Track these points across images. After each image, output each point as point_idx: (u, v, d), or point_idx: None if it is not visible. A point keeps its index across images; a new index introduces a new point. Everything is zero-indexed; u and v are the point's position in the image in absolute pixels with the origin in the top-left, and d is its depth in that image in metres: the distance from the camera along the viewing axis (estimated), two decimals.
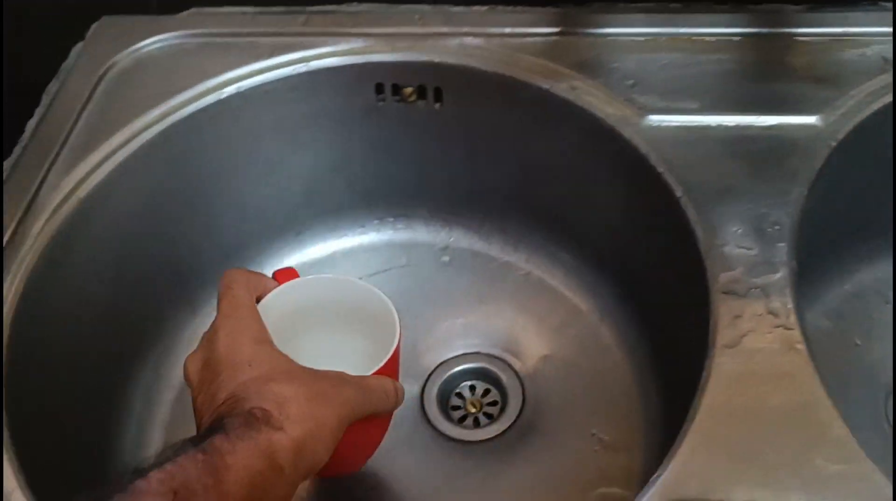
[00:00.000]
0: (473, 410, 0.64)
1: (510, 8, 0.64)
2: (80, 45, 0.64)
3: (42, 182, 0.55)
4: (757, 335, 0.45)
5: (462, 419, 0.63)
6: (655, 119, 0.56)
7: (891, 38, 0.59)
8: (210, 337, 0.44)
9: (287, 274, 0.50)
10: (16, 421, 0.47)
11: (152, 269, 0.62)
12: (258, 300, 0.47)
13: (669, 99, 0.57)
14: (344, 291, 0.51)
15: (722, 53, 0.60)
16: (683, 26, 0.61)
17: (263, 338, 0.43)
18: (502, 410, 0.63)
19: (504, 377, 0.64)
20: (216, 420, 0.38)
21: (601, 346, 0.64)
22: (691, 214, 0.51)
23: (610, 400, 0.62)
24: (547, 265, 0.68)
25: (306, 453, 0.38)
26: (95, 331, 0.58)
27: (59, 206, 0.54)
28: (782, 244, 0.49)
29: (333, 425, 0.40)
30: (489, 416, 0.63)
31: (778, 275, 0.48)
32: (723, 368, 0.44)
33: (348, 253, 0.72)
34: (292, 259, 0.70)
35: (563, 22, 0.62)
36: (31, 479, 0.45)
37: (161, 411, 0.63)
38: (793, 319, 0.46)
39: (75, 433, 0.56)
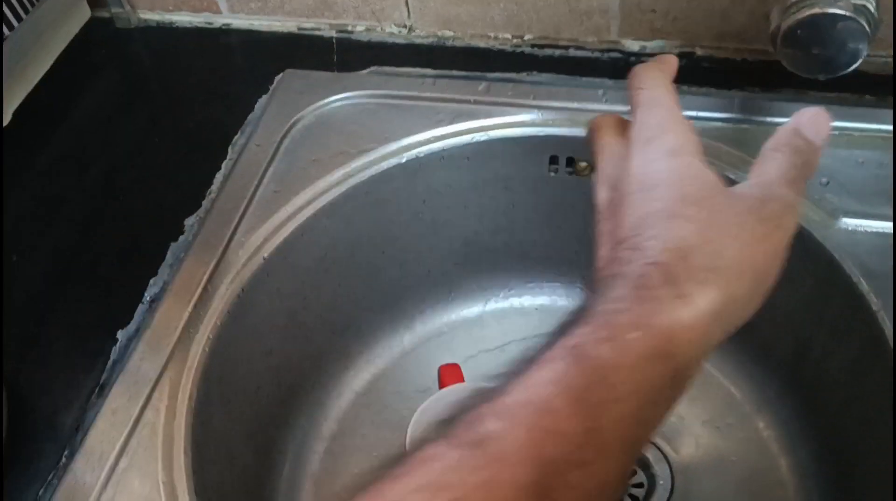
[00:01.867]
0: None
1: (694, 88, 0.63)
2: (265, 97, 0.66)
3: (230, 239, 0.57)
4: None
5: None
6: (851, 223, 0.54)
7: None
8: (623, 153, 0.35)
9: (452, 371, 0.48)
10: (200, 458, 0.49)
11: (316, 322, 0.64)
12: None
13: (866, 202, 0.55)
14: None
15: None
16: (880, 122, 0.59)
17: (683, 149, 0.34)
18: (648, 495, 0.62)
19: (652, 459, 0.63)
20: (604, 282, 0.30)
21: (760, 444, 0.62)
22: (889, 332, 0.49)
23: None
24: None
25: (722, 323, 0.30)
26: (267, 380, 0.60)
27: (246, 264, 0.56)
28: None
29: (760, 271, 0.31)
30: (634, 498, 0.62)
31: None
32: None
33: (497, 314, 0.73)
34: (444, 317, 0.71)
35: (750, 109, 0.61)
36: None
37: (311, 461, 0.64)
38: None
39: (241, 472, 0.58)
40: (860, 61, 0.47)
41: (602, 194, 0.36)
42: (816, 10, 0.44)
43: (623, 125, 0.38)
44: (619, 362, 0.27)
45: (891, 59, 0.62)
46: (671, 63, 0.40)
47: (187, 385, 0.51)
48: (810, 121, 0.38)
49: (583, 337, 0.28)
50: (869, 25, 0.45)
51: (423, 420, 0.41)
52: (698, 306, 0.28)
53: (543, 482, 0.26)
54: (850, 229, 0.54)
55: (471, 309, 0.72)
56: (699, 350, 0.29)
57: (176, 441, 0.48)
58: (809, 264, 0.55)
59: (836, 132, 0.59)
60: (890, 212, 0.54)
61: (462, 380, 0.46)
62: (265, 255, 0.57)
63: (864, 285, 0.51)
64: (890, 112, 0.59)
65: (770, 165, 0.35)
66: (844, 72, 0.48)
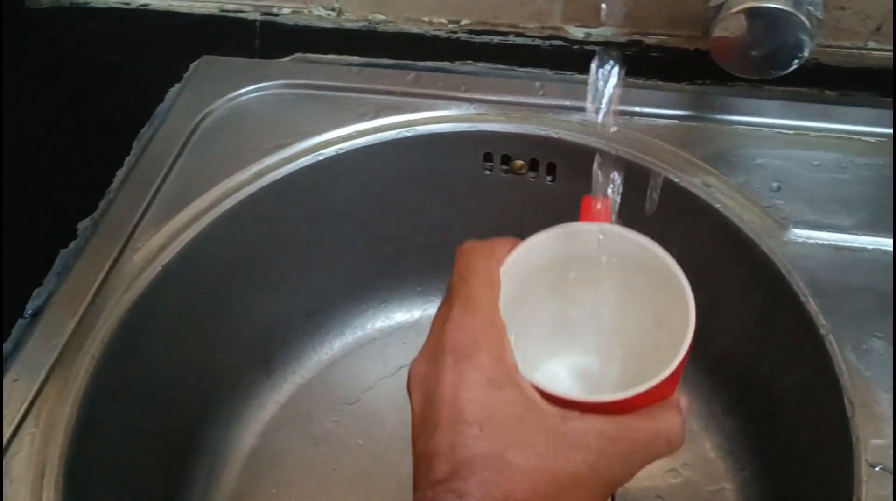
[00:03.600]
0: None
1: (641, 81, 0.58)
2: (177, 86, 0.61)
3: (125, 245, 0.52)
4: None
5: None
6: (802, 234, 0.49)
7: None
8: (435, 355, 0.32)
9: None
10: (79, 488, 0.44)
11: (232, 331, 0.59)
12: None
13: (819, 210, 0.50)
14: (620, 248, 0.38)
15: (882, 157, 0.52)
16: (839, 121, 0.54)
17: (501, 376, 0.31)
18: None
19: None
20: None
21: (707, 462, 0.58)
22: (837, 355, 0.45)
23: None
24: None
25: None
26: (169, 393, 0.56)
27: (141, 272, 0.51)
28: None
29: None
30: None
31: None
32: None
33: None
34: (378, 322, 0.66)
35: (699, 104, 0.56)
36: None
37: (227, 481, 0.60)
38: None
39: (146, 498, 0.53)
40: (805, 55, 0.42)
41: (416, 395, 0.33)
42: (749, 5, 0.38)
43: (493, 261, 0.35)
44: None
45: (855, 50, 0.56)
46: (502, 247, 0.36)
47: (65, 409, 0.46)
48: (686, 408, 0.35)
49: None
50: (809, 19, 0.40)
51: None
52: None
53: None
54: (800, 240, 0.49)
55: (406, 314, 0.67)
56: None
57: (48, 474, 0.44)
58: (759, 278, 0.51)
59: (791, 132, 0.54)
60: (846, 222, 0.49)
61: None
62: (164, 262, 0.52)
63: (812, 305, 0.47)
64: (854, 110, 0.55)
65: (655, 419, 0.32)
66: (788, 69, 0.43)
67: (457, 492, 0.28)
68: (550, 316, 0.39)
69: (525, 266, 0.37)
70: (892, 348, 0.44)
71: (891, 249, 0.48)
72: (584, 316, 0.40)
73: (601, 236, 0.38)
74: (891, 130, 0.53)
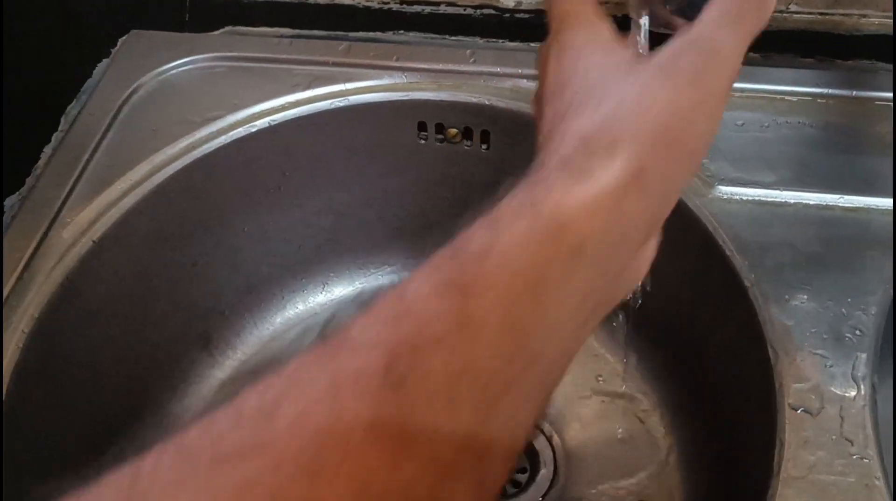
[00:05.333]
0: None
1: None
2: (105, 62, 0.60)
3: (54, 219, 0.51)
4: (828, 467, 0.40)
5: None
6: (726, 191, 0.50)
7: None
8: (549, 55, 0.31)
9: None
10: (20, 459, 0.44)
11: (168, 307, 0.58)
12: None
13: (743, 168, 0.51)
14: None
15: (804, 116, 0.54)
16: (762, 82, 0.55)
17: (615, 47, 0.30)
18: (532, 478, 0.59)
19: (535, 441, 0.60)
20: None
21: (645, 418, 0.59)
22: (761, 308, 0.46)
23: (650, 481, 0.57)
24: None
25: (642, 193, 0.26)
26: (108, 373, 0.55)
27: (71, 247, 0.50)
28: (863, 355, 0.43)
29: (684, 129, 0.26)
30: (516, 484, 0.59)
31: (855, 393, 0.42)
32: None
33: (377, 291, 0.68)
34: (318, 296, 0.66)
35: None
36: None
37: None
38: (871, 449, 0.40)
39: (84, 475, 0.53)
40: None
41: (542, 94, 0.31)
42: None
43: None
44: (494, 247, 0.24)
45: (778, 13, 0.58)
46: None
47: None
48: None
49: (464, 232, 0.25)
50: None
51: None
52: (599, 181, 0.25)
53: (396, 366, 0.22)
54: (724, 197, 0.50)
55: (347, 288, 0.67)
56: (608, 225, 0.25)
57: None
58: (688, 236, 0.52)
59: None
60: (768, 179, 0.51)
61: None
62: (95, 237, 0.51)
63: (738, 260, 0.48)
64: (776, 71, 0.56)
65: (708, 8, 0.29)
66: None
67: (540, 149, 0.28)
68: None
69: None
70: (813, 297, 0.46)
71: (809, 202, 0.50)
72: None
73: None
74: (812, 89, 0.55)
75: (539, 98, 0.31)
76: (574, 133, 0.26)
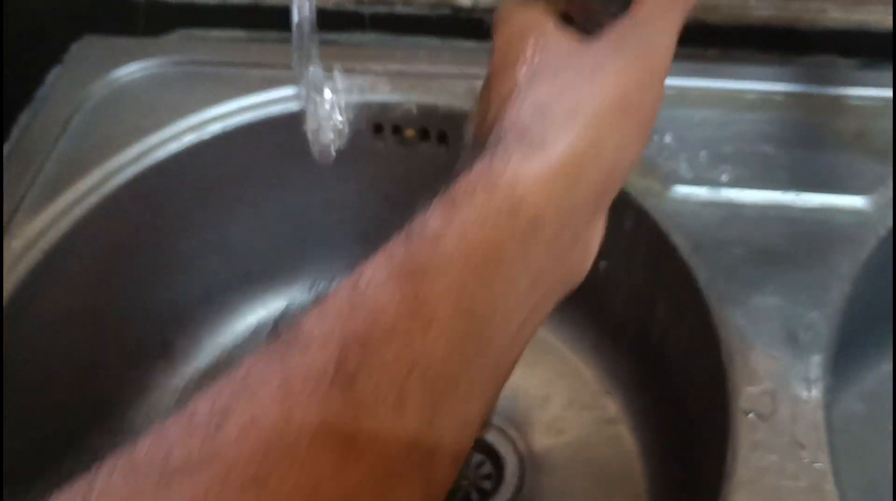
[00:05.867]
0: (465, 482, 0.59)
1: None
2: (57, 68, 0.59)
3: (2, 232, 0.50)
4: (780, 471, 0.39)
5: (452, 493, 0.58)
6: (682, 191, 0.50)
7: None
8: (500, 32, 0.32)
9: None
10: None
11: (126, 316, 0.58)
12: None
13: (700, 167, 0.50)
14: None
15: (762, 113, 0.53)
16: (721, 78, 0.54)
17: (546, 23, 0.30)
18: (497, 485, 0.58)
19: (500, 448, 0.59)
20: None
21: (608, 424, 0.58)
22: (715, 308, 0.45)
23: (616, 487, 0.57)
24: (556, 327, 0.63)
25: (592, 167, 0.26)
26: (64, 383, 0.54)
27: (20, 259, 0.50)
28: (817, 357, 0.43)
29: (634, 105, 0.27)
30: (482, 491, 0.58)
31: (808, 394, 0.42)
32: None
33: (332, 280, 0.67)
34: (279, 303, 0.66)
35: None
36: None
37: None
38: (824, 453, 0.40)
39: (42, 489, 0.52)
40: None
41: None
42: None
43: None
44: (450, 227, 0.24)
45: (738, 9, 0.57)
46: None
47: None
48: None
49: (420, 213, 0.25)
50: None
51: None
52: (552, 154, 0.25)
53: (347, 364, 0.22)
54: (680, 197, 0.50)
55: (310, 294, 0.66)
56: (564, 196, 0.25)
57: None
58: (643, 236, 0.51)
59: (672, 92, 0.54)
60: (724, 177, 0.50)
61: None
62: (44, 247, 0.51)
63: (693, 260, 0.47)
64: (734, 67, 0.55)
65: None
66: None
67: (494, 120, 0.28)
68: None
69: None
70: (768, 298, 0.45)
71: (766, 202, 0.49)
72: None
73: None
74: (770, 86, 0.54)
75: (489, 78, 0.31)
76: (531, 104, 0.26)
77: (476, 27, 0.59)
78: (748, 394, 0.42)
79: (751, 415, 0.41)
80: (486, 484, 0.58)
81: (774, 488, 0.39)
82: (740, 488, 0.39)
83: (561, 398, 0.60)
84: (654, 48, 0.29)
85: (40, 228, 0.51)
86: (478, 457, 0.59)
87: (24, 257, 0.50)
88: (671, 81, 0.57)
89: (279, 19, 0.60)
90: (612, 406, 0.59)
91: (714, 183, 0.50)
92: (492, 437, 0.59)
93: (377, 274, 0.24)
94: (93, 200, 0.53)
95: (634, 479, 0.56)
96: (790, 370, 0.42)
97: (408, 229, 0.25)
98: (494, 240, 0.24)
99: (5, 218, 0.51)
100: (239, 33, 0.60)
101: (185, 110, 0.56)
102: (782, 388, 0.42)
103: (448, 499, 0.60)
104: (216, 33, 0.61)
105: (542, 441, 0.59)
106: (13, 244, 0.50)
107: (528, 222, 0.25)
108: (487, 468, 0.59)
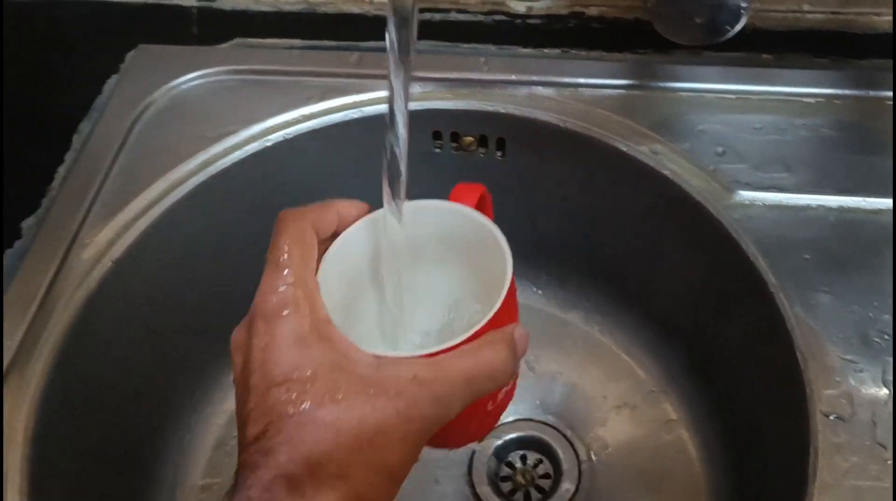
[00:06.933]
0: (523, 482, 0.60)
1: (584, 52, 0.58)
2: (114, 78, 0.59)
3: (73, 241, 0.51)
4: (862, 472, 0.40)
5: (512, 492, 0.59)
6: (747, 196, 0.50)
7: None
8: (249, 321, 0.33)
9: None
10: (44, 494, 0.44)
11: (181, 328, 0.58)
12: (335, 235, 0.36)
13: (762, 172, 0.51)
14: (436, 218, 0.38)
15: (821, 118, 0.54)
16: (778, 84, 0.55)
17: (310, 333, 0.31)
18: (556, 484, 0.59)
19: (558, 448, 0.60)
20: (238, 481, 0.30)
21: (667, 425, 0.59)
22: (787, 311, 0.46)
23: (675, 486, 0.57)
24: (610, 327, 0.63)
25: None
26: (126, 392, 0.55)
27: (91, 269, 0.50)
28: (892, 359, 0.44)
29: (394, 469, 0.30)
30: (540, 489, 0.59)
31: (886, 395, 0.43)
32: None
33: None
34: None
35: (642, 73, 0.56)
36: None
37: (193, 475, 0.59)
38: None
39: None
40: (743, 20, 0.43)
41: (235, 362, 0.33)
42: None
43: (306, 227, 0.35)
44: None
45: (790, 13, 0.58)
46: (316, 210, 0.36)
47: (21, 416, 0.45)
48: (521, 339, 0.34)
49: None
50: None
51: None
52: None
53: None
54: (746, 202, 0.50)
55: None
56: None
57: (10, 481, 0.43)
58: (705, 240, 0.52)
59: (733, 96, 0.55)
60: (788, 182, 0.51)
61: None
62: (114, 257, 0.51)
63: (761, 263, 0.48)
64: (791, 72, 0.56)
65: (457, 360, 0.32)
66: (725, 37, 0.44)
67: (263, 451, 0.29)
68: (377, 307, 0.38)
69: (344, 263, 0.36)
70: (838, 300, 0.46)
71: (830, 205, 0.50)
72: (413, 301, 0.39)
73: (409, 216, 0.37)
74: (827, 90, 0.55)
75: (247, 374, 0.31)
76: (302, 453, 0.29)
77: (531, 34, 0.60)
78: (827, 397, 0.43)
79: (832, 417, 0.42)
80: (545, 484, 0.59)
81: (858, 489, 0.40)
82: (825, 491, 0.40)
83: (616, 398, 0.61)
84: (431, 414, 0.30)
85: (108, 238, 0.51)
86: (535, 457, 0.60)
87: (94, 269, 0.50)
88: (729, 87, 0.58)
89: (332, 27, 0.61)
90: (668, 408, 0.60)
91: (777, 187, 0.50)
92: (549, 437, 0.60)
93: None
94: (158, 209, 0.53)
95: (693, 478, 0.57)
96: (866, 373, 0.43)
97: None
98: None
99: (75, 229, 0.51)
100: (294, 41, 0.61)
101: (246, 119, 0.56)
102: (860, 391, 0.43)
103: (508, 498, 0.61)
104: (271, 41, 0.61)
105: (598, 440, 0.60)
106: (83, 254, 0.51)
107: None
108: (545, 467, 0.60)
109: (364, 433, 0.29)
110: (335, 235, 0.36)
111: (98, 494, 0.52)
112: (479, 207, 0.37)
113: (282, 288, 0.32)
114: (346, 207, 0.37)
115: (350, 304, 0.36)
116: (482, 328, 0.32)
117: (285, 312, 0.31)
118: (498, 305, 0.32)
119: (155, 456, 0.58)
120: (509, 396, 0.37)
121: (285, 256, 0.33)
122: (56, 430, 0.47)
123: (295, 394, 0.30)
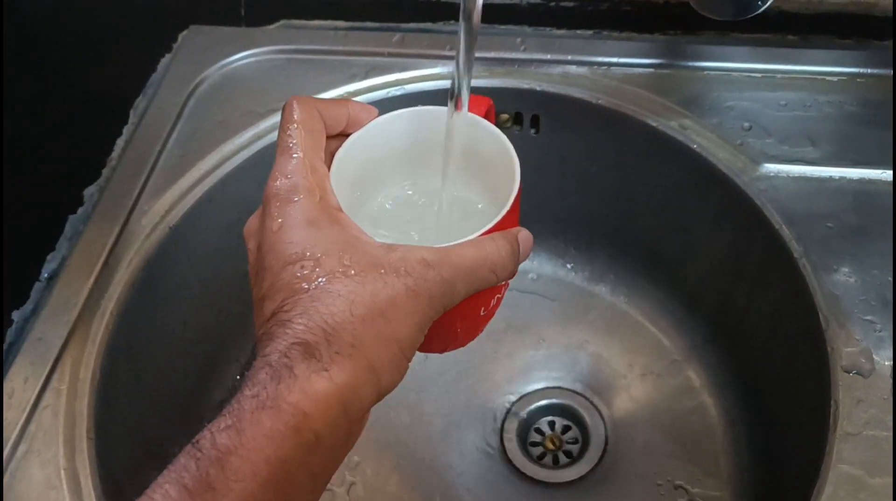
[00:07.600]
0: (552, 447, 0.62)
1: (616, 33, 0.61)
2: (167, 56, 0.62)
3: (133, 208, 0.54)
4: (880, 423, 0.43)
5: (541, 456, 0.62)
6: (772, 169, 0.53)
7: None
8: (262, 206, 0.34)
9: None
10: (106, 441, 0.47)
11: (232, 291, 0.61)
12: (344, 134, 0.37)
13: (787, 146, 0.54)
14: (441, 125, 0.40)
15: (844, 95, 0.56)
16: (803, 63, 0.57)
17: (322, 216, 0.32)
18: (583, 449, 0.61)
19: (585, 414, 0.63)
20: (256, 352, 0.31)
21: (690, 392, 0.62)
22: (810, 277, 0.48)
23: (698, 449, 0.60)
24: (636, 300, 0.66)
25: (355, 400, 0.30)
26: (181, 351, 0.58)
27: (150, 233, 0.53)
28: None
29: (404, 343, 0.31)
30: (569, 454, 0.62)
31: None
32: (843, 459, 0.42)
33: None
34: None
35: (672, 53, 0.59)
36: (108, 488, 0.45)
37: None
38: None
39: (156, 452, 0.56)
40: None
41: (249, 247, 0.34)
42: None
43: (315, 115, 0.35)
44: (237, 446, 0.27)
45: None
46: (328, 102, 0.37)
47: (90, 364, 0.48)
48: (525, 240, 0.35)
49: (207, 430, 0.28)
50: None
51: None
52: (333, 379, 0.29)
53: None
54: (771, 174, 0.53)
55: None
56: (338, 416, 0.29)
57: (78, 424, 0.46)
58: (731, 212, 0.54)
59: (759, 75, 0.58)
60: (812, 155, 0.53)
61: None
62: (171, 223, 0.54)
63: (785, 232, 0.50)
64: (815, 52, 0.58)
65: (476, 247, 0.33)
66: (756, 11, 0.46)
67: (280, 323, 0.30)
68: (396, 198, 0.40)
69: (367, 149, 0.38)
70: (859, 266, 0.48)
71: (852, 177, 0.52)
72: (428, 200, 0.40)
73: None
74: (850, 69, 0.57)
75: (259, 247, 0.33)
76: (318, 323, 0.29)
77: (564, 16, 0.62)
78: (847, 354, 0.45)
79: (852, 373, 0.44)
80: (573, 449, 0.62)
81: (875, 438, 0.42)
82: (846, 439, 0.42)
83: (640, 364, 0.64)
84: (439, 297, 0.31)
85: (166, 206, 0.55)
86: (564, 423, 0.63)
87: (152, 235, 0.54)
88: (756, 66, 0.60)
89: (373, 9, 0.64)
90: (692, 375, 0.62)
91: (802, 160, 0.53)
92: (577, 404, 0.63)
93: (171, 490, 0.27)
94: (211, 180, 0.56)
95: (715, 441, 0.59)
96: (885, 333, 0.46)
97: (197, 444, 0.28)
98: (280, 455, 0.27)
99: (135, 197, 0.55)
100: (339, 23, 0.63)
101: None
102: (879, 349, 0.45)
103: (537, 461, 0.63)
104: (317, 23, 0.64)
105: (624, 407, 0.62)
106: (142, 220, 0.54)
107: (311, 436, 0.28)
108: (574, 433, 0.62)
109: (376, 305, 0.30)
110: (343, 136, 0.37)
111: (155, 437, 0.55)
112: (486, 118, 0.39)
113: (291, 173, 0.33)
114: (357, 109, 0.37)
115: (358, 202, 0.38)
116: (489, 230, 0.33)
117: (297, 197, 0.32)
118: (506, 209, 0.34)
119: (203, 412, 0.61)
120: (498, 305, 0.39)
121: (294, 141, 0.34)
122: (118, 382, 0.50)
123: (308, 271, 0.31)
